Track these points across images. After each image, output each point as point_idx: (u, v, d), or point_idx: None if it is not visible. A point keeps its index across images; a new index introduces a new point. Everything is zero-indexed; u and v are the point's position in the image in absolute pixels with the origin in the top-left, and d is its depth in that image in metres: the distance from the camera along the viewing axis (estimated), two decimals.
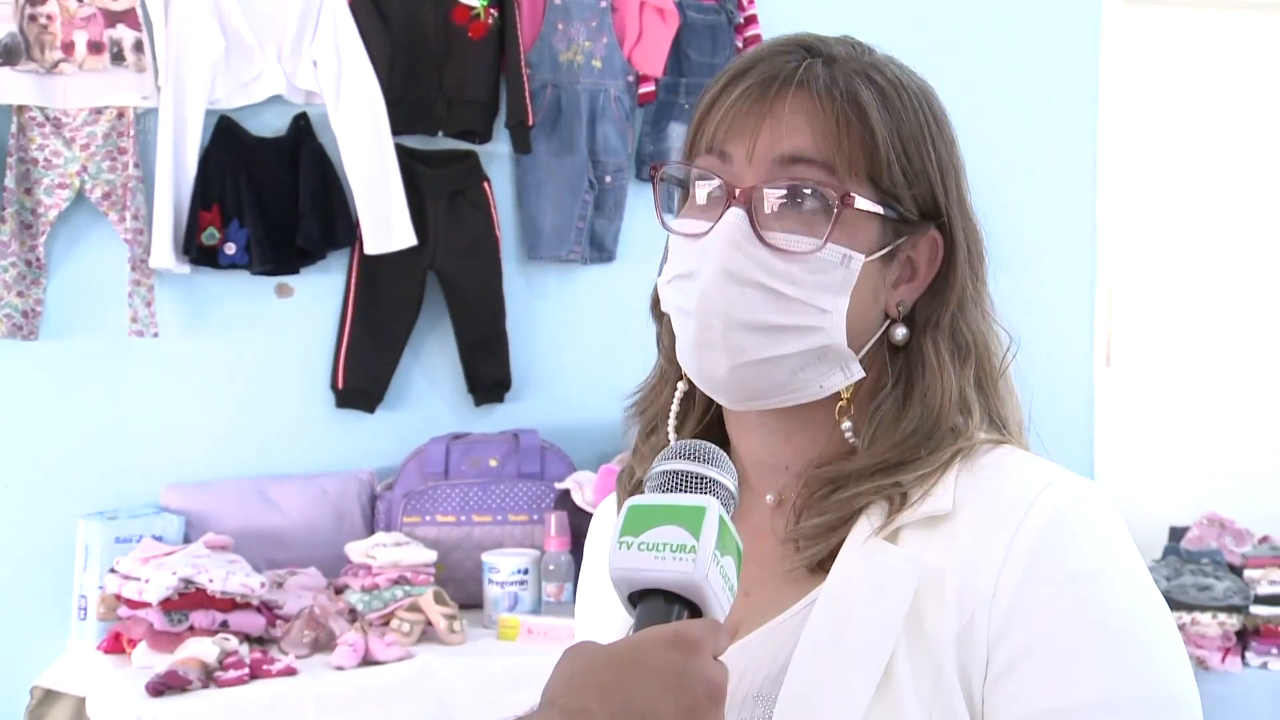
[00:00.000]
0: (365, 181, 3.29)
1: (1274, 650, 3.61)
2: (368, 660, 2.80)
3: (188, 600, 2.76)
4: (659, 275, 1.07)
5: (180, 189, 3.17)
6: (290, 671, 2.72)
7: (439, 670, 2.83)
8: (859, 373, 1.01)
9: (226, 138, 3.25)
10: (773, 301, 0.98)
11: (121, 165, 3.13)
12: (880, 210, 0.99)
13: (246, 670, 2.67)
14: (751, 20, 3.69)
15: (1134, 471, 4.13)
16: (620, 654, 0.82)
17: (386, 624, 2.93)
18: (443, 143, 3.48)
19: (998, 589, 0.92)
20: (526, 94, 3.44)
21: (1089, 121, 4.08)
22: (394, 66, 3.36)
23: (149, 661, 2.71)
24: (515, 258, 3.56)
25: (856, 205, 0.98)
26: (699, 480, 0.90)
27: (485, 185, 3.48)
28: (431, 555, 3.10)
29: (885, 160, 0.99)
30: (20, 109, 3.08)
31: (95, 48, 3.10)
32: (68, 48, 3.09)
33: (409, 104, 3.40)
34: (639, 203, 3.64)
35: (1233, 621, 3.64)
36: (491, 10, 3.43)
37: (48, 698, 2.93)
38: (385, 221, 3.30)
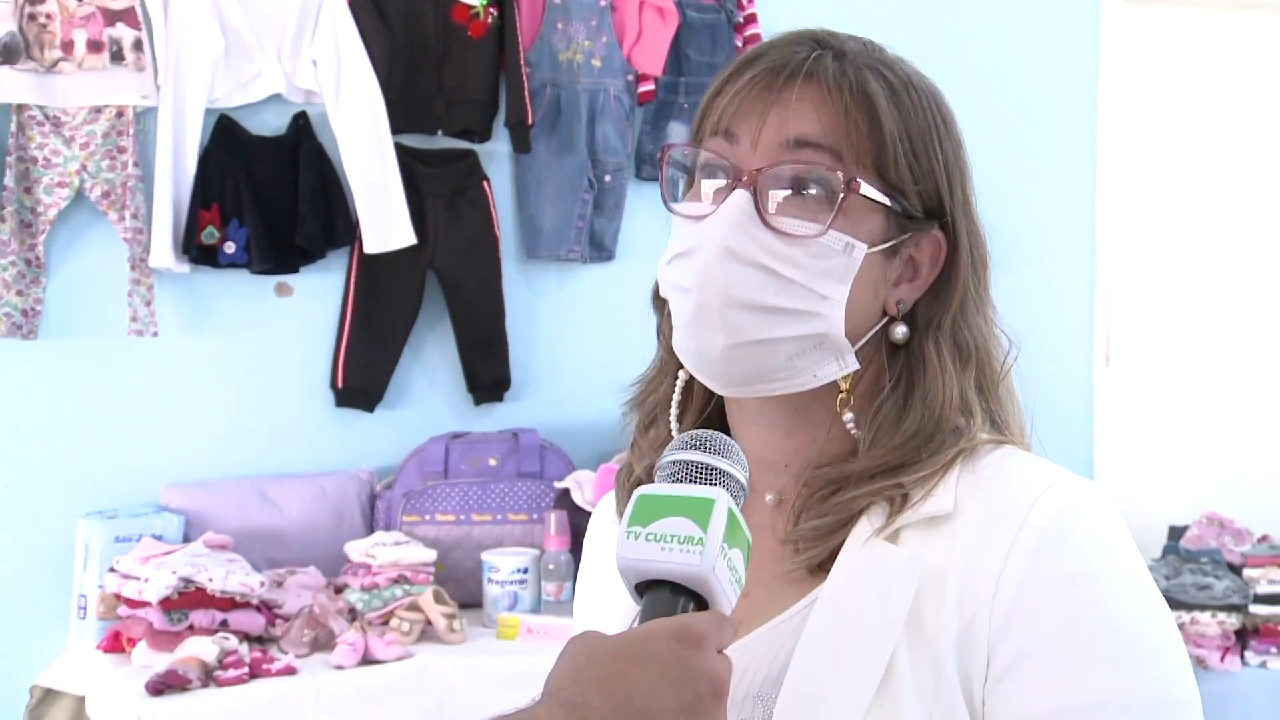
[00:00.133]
0: (365, 181, 3.29)
1: (1273, 649, 3.62)
2: (367, 659, 2.80)
3: (187, 599, 2.76)
4: (660, 260, 1.07)
5: (180, 188, 3.17)
6: (290, 671, 2.72)
7: (438, 669, 2.83)
8: (854, 364, 1.01)
9: (226, 137, 3.25)
10: (773, 283, 0.98)
11: (121, 164, 3.13)
12: (885, 202, 0.99)
13: (246, 669, 2.67)
14: (751, 19, 3.69)
15: (1133, 471, 4.13)
16: (624, 646, 0.82)
17: (386, 623, 2.94)
18: (442, 142, 3.48)
19: (999, 590, 0.92)
20: (526, 93, 3.44)
21: (1088, 121, 4.08)
22: (393, 66, 3.36)
23: (149, 661, 2.71)
24: (515, 257, 3.56)
25: (862, 192, 0.98)
26: (709, 471, 0.90)
27: (485, 184, 3.48)
28: (431, 554, 3.10)
29: (893, 153, 0.99)
30: (20, 108, 3.08)
31: (95, 47, 3.10)
32: (67, 46, 3.09)
33: (408, 103, 3.40)
34: (639, 202, 3.64)
35: (1232, 621, 3.64)
36: (491, 9, 3.43)
37: (47, 697, 2.93)
38: (385, 220, 3.30)
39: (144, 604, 2.75)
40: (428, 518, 3.24)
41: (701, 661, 0.81)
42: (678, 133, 3.65)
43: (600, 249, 3.62)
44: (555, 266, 3.61)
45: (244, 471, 3.31)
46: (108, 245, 3.17)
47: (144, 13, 3.13)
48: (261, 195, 3.25)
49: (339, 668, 2.77)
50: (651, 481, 1.06)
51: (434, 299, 3.47)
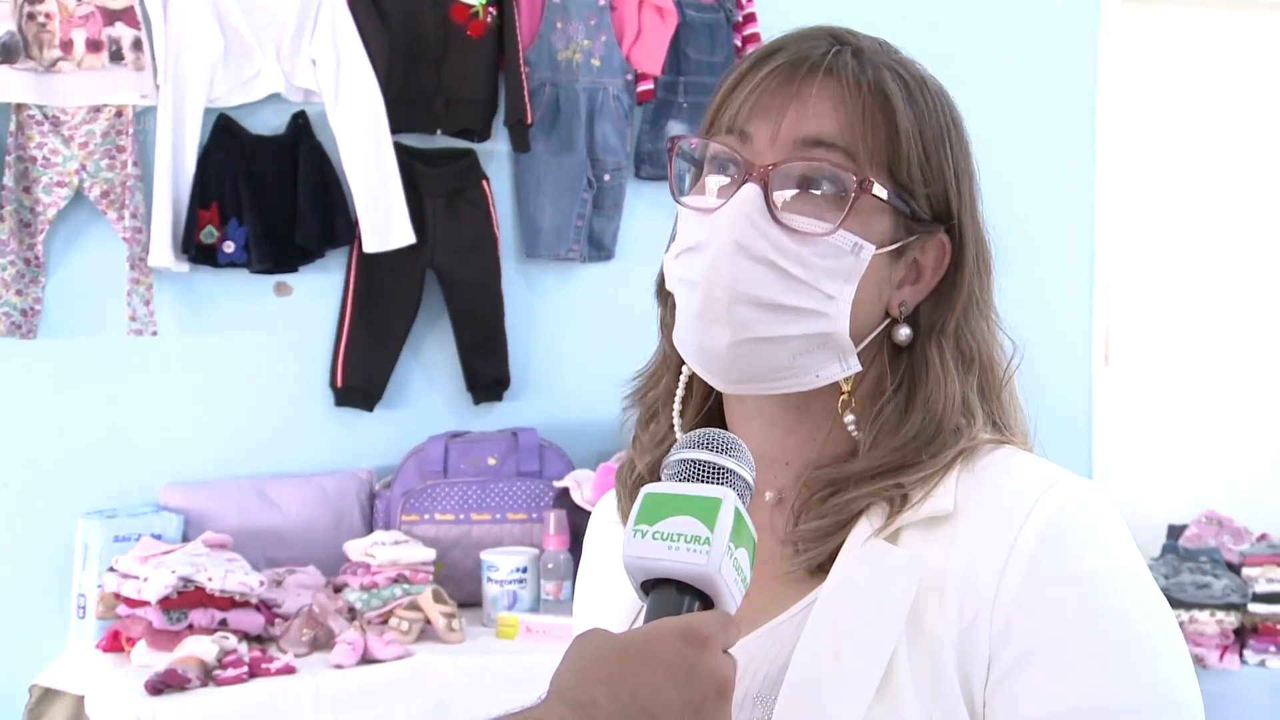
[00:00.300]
0: (364, 180, 3.29)
1: (1272, 648, 3.62)
2: (367, 659, 2.81)
3: (187, 599, 2.76)
4: (665, 253, 1.06)
5: (179, 187, 3.17)
6: (289, 670, 2.72)
7: (438, 669, 2.83)
8: (856, 366, 1.01)
9: (225, 136, 3.25)
10: (781, 280, 0.97)
11: (120, 164, 3.13)
12: (895, 203, 0.99)
13: (245, 669, 2.67)
14: (750, 19, 3.69)
15: (1132, 470, 4.14)
16: (630, 645, 0.82)
17: (385, 622, 2.94)
18: (441, 141, 3.48)
19: (1000, 591, 0.91)
20: (525, 92, 3.44)
21: (1087, 120, 4.08)
22: (393, 65, 3.36)
23: (148, 660, 2.71)
24: (514, 256, 3.57)
25: (873, 193, 0.98)
26: (716, 470, 0.90)
27: (484, 184, 3.48)
28: (430, 554, 3.10)
29: (906, 154, 0.99)
30: (19, 107, 3.08)
31: (94, 46, 3.10)
32: (66, 46, 3.09)
33: (408, 102, 3.40)
34: (638, 201, 3.64)
35: (1231, 619, 3.64)
36: (490, 9, 3.43)
37: (47, 696, 2.92)
38: (384, 220, 3.30)
39: (143, 603, 2.75)
40: (427, 517, 3.24)
41: (707, 661, 0.81)
42: (677, 132, 3.63)
43: (599, 248, 3.62)
44: (554, 266, 3.62)
45: (243, 471, 3.31)
46: (107, 245, 3.17)
47: (143, 12, 3.13)
48: (261, 194, 3.25)
49: (338, 667, 2.77)
50: (651, 478, 1.07)
51: (433, 298, 3.47)
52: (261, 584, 2.85)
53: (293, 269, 3.34)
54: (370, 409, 3.41)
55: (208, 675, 2.64)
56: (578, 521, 3.19)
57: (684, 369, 1.07)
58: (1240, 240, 4.26)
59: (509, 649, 2.96)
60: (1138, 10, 4.15)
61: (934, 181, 1.01)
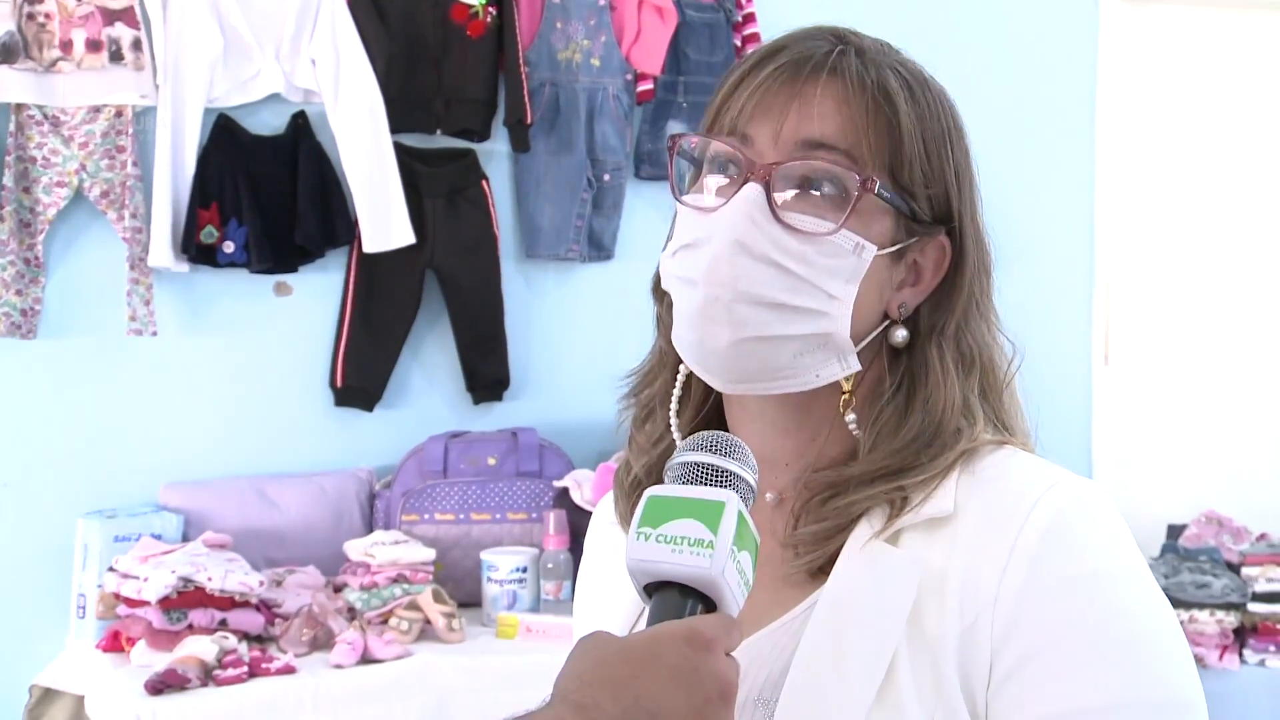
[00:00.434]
0: (364, 180, 3.29)
1: (1271, 647, 3.62)
2: (366, 658, 2.81)
3: (186, 599, 2.76)
4: (663, 251, 1.06)
5: (179, 187, 3.17)
6: (289, 670, 2.72)
7: (438, 668, 2.83)
8: (856, 365, 1.00)
9: (225, 136, 3.25)
10: (782, 279, 0.97)
11: (120, 164, 3.13)
12: (897, 204, 0.99)
13: (245, 669, 2.67)
14: (750, 19, 3.69)
15: (1132, 469, 4.14)
16: (634, 649, 0.82)
17: (385, 622, 2.94)
18: (441, 141, 3.48)
19: (1000, 592, 0.91)
20: (525, 92, 3.44)
21: (1087, 120, 4.08)
22: (392, 65, 3.36)
23: (148, 660, 2.71)
24: (514, 256, 3.57)
25: (875, 193, 0.97)
26: (719, 473, 0.90)
27: (484, 184, 3.48)
28: (430, 553, 3.10)
29: (908, 155, 0.99)
30: (19, 107, 3.08)
31: (93, 46, 3.10)
32: (66, 46, 3.09)
33: (407, 102, 3.40)
34: (637, 201, 3.64)
35: (1230, 619, 3.64)
36: (490, 9, 3.43)
37: (46, 696, 2.92)
38: (384, 220, 3.30)
39: (143, 603, 2.75)
40: (427, 517, 3.25)
41: (711, 664, 0.81)
42: (677, 131, 3.64)
43: (599, 248, 3.62)
44: (554, 266, 3.62)
45: (243, 471, 3.31)
46: (107, 245, 3.17)
47: (143, 12, 3.13)
48: (260, 194, 3.25)
49: (338, 667, 2.77)
50: (648, 480, 1.07)
51: (433, 298, 3.47)
52: (261, 584, 2.85)
53: (292, 269, 3.34)
54: (370, 409, 3.41)
55: (207, 675, 2.64)
56: (577, 521, 3.19)
57: (681, 368, 1.06)
58: (1240, 240, 4.27)
59: (509, 649, 2.96)
60: (1138, 10, 4.15)
61: (935, 183, 1.01)
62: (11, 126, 3.09)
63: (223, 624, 2.78)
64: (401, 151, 3.35)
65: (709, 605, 0.85)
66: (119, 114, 3.13)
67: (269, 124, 3.32)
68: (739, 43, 3.69)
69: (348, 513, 3.28)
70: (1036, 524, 0.93)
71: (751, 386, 1.01)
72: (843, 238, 0.97)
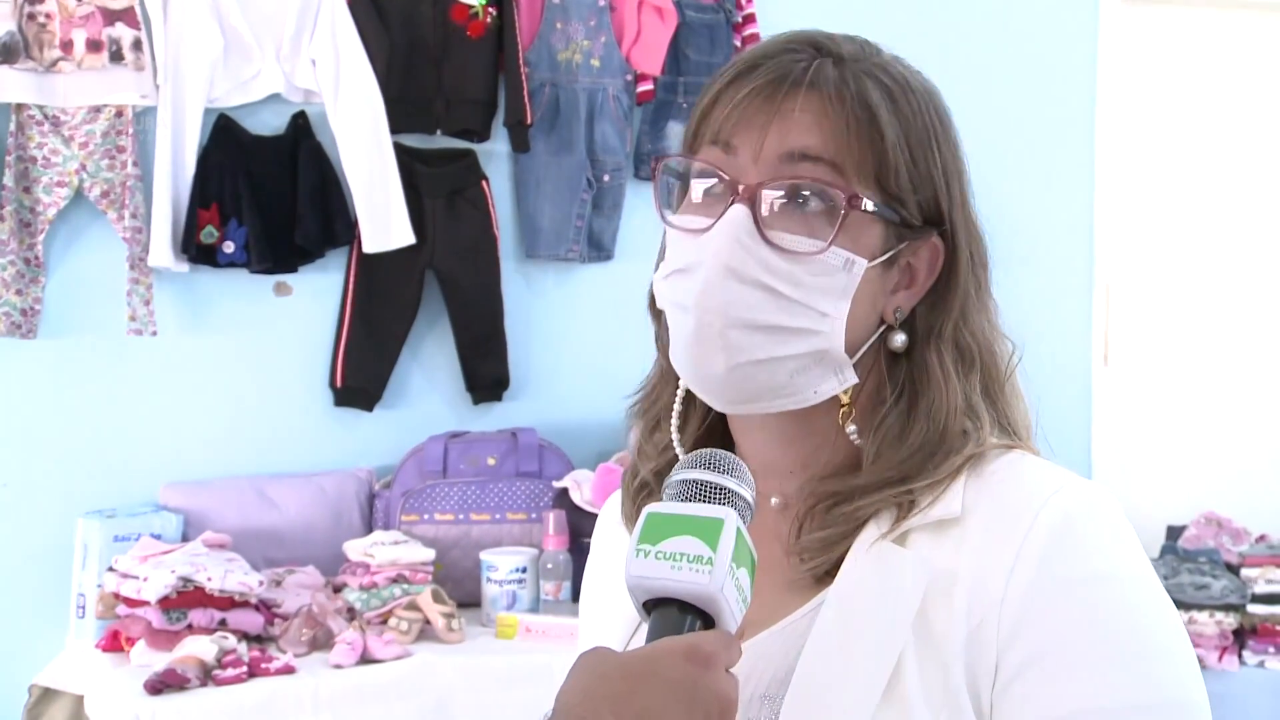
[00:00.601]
0: (364, 180, 3.29)
1: (1271, 649, 3.62)
2: (366, 658, 2.81)
3: (186, 599, 2.76)
4: (655, 272, 1.06)
5: (179, 187, 3.17)
6: (289, 670, 2.72)
7: (437, 669, 2.83)
8: (852, 379, 1.00)
9: (225, 136, 3.25)
10: (773, 301, 0.97)
11: (120, 164, 3.13)
12: (885, 215, 0.98)
13: (245, 669, 2.67)
14: (750, 19, 3.69)
15: (1132, 470, 4.14)
16: (634, 664, 0.82)
17: (385, 622, 2.94)
18: (441, 141, 3.48)
19: (1007, 593, 0.91)
20: (525, 93, 3.44)
21: (1087, 120, 4.09)
22: (392, 65, 3.36)
23: (147, 660, 2.71)
24: (514, 256, 3.57)
25: (863, 208, 0.97)
26: (717, 491, 0.90)
27: (484, 184, 3.48)
28: (430, 554, 3.10)
29: (893, 164, 0.98)
30: (19, 107, 3.08)
31: (94, 46, 3.10)
32: (66, 46, 3.09)
33: (407, 103, 3.40)
34: (637, 202, 3.64)
35: (1230, 620, 3.64)
36: (490, 9, 3.43)
37: (46, 696, 2.93)
38: (384, 220, 3.30)
39: (143, 603, 2.75)
40: (426, 517, 3.25)
41: (711, 680, 0.82)
42: (676, 133, 3.64)
43: (599, 249, 3.62)
44: (554, 266, 3.62)
45: (243, 470, 3.31)
46: (107, 245, 3.17)
47: (143, 12, 3.13)
48: (260, 195, 3.25)
49: (338, 667, 2.77)
50: (656, 483, 1.07)
51: (433, 298, 3.47)
52: (261, 584, 2.86)
53: (292, 269, 3.34)
54: (370, 409, 3.41)
55: (207, 675, 2.64)
56: (577, 522, 3.19)
57: (682, 384, 1.06)
58: (1240, 241, 4.27)
59: (508, 649, 2.96)
60: (1137, 11, 4.15)
61: (923, 187, 1.00)
62: (12, 126, 3.09)
63: (222, 624, 2.78)
64: (401, 152, 3.35)
65: (707, 622, 0.86)
66: (119, 114, 3.13)
67: (269, 124, 3.32)
68: (739, 43, 3.69)
69: (347, 513, 3.28)
70: (1044, 526, 0.93)
71: (750, 407, 1.01)
72: (832, 255, 0.97)
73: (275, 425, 3.38)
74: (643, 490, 1.10)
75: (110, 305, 3.15)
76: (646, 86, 3.61)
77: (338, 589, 3.06)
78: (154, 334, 3.15)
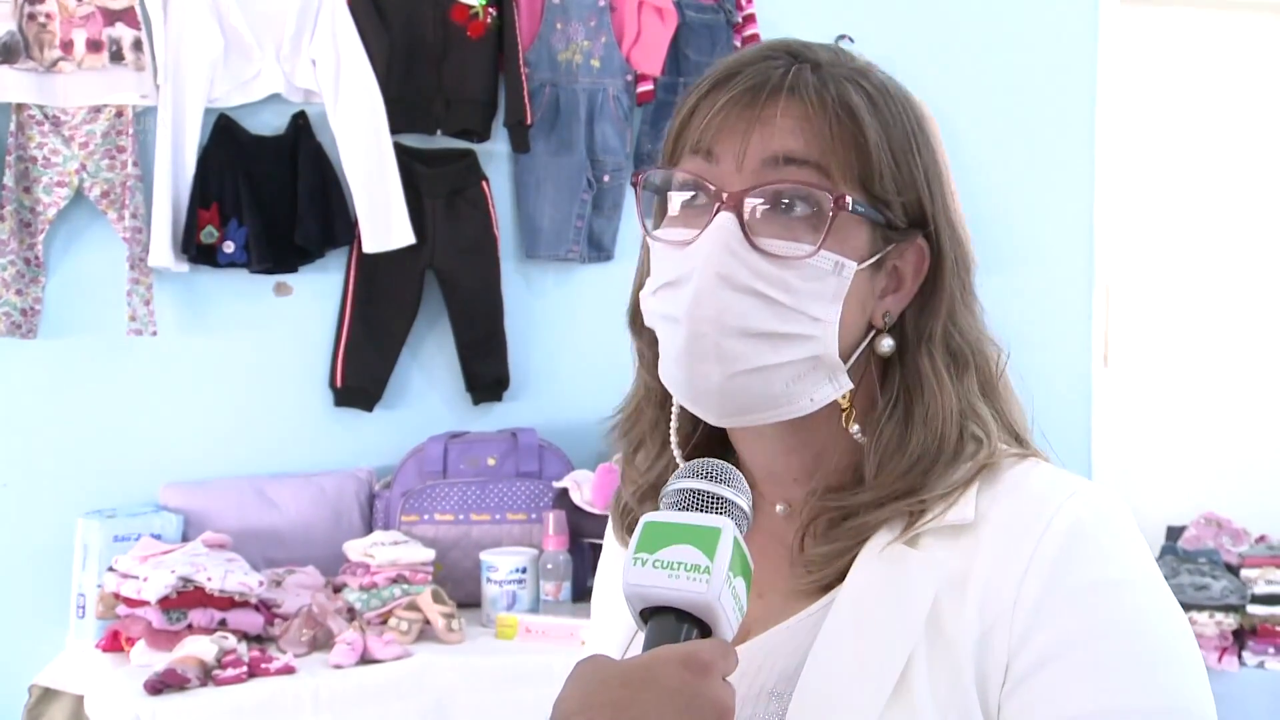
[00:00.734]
0: (364, 180, 3.29)
1: (1271, 649, 3.62)
2: (366, 659, 2.81)
3: (186, 599, 2.76)
4: (635, 288, 1.05)
5: (179, 187, 3.18)
6: (288, 670, 2.72)
7: (437, 669, 2.83)
8: (847, 384, 1.00)
9: (225, 136, 3.25)
10: (767, 308, 0.96)
11: (120, 164, 3.13)
12: (872, 216, 0.98)
13: (245, 669, 2.67)
14: (750, 20, 3.69)
15: (1132, 471, 4.14)
16: (632, 672, 0.82)
17: (385, 622, 2.94)
18: (441, 142, 3.48)
19: (1020, 597, 0.92)
20: (525, 93, 3.44)
21: (1086, 122, 4.08)
22: (392, 65, 3.36)
23: (147, 660, 2.71)
24: (514, 257, 3.57)
25: (850, 209, 0.96)
26: (714, 500, 0.90)
27: (484, 184, 3.48)
28: (430, 554, 3.10)
29: (877, 166, 0.97)
30: (19, 107, 3.08)
31: (94, 46, 3.10)
32: (66, 46, 3.09)
33: (407, 103, 3.40)
34: None
35: (1230, 621, 3.65)
36: (490, 9, 3.43)
37: (46, 696, 2.93)
38: (384, 220, 3.30)
39: (143, 603, 2.75)
40: (426, 517, 3.25)
41: (708, 688, 0.82)
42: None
43: (599, 249, 3.62)
44: (554, 266, 3.62)
45: (243, 471, 3.31)
46: (107, 245, 3.17)
47: (143, 12, 3.13)
48: (260, 195, 3.25)
49: (337, 667, 2.77)
50: (639, 507, 1.07)
51: (433, 299, 3.47)
52: (261, 584, 2.86)
53: (292, 269, 3.34)
54: (370, 409, 3.41)
55: (207, 675, 2.64)
56: (577, 522, 3.19)
57: (673, 400, 1.05)
58: (1239, 241, 4.27)
59: (508, 649, 2.96)
60: (1137, 11, 4.15)
61: (906, 189, 1.00)
62: (12, 126, 3.09)
63: (222, 624, 2.78)
64: (401, 152, 3.35)
65: (704, 630, 0.86)
66: (119, 114, 3.13)
67: (269, 124, 3.33)
68: (739, 44, 3.69)
69: (347, 513, 3.28)
70: (1057, 531, 0.93)
71: (745, 419, 1.00)
72: (822, 259, 0.96)
73: (275, 425, 3.38)
74: (627, 515, 1.10)
75: (110, 305, 3.15)
76: (646, 87, 3.61)
77: (338, 589, 3.06)
78: (154, 334, 3.15)
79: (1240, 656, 3.64)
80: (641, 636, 0.87)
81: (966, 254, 1.05)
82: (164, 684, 2.59)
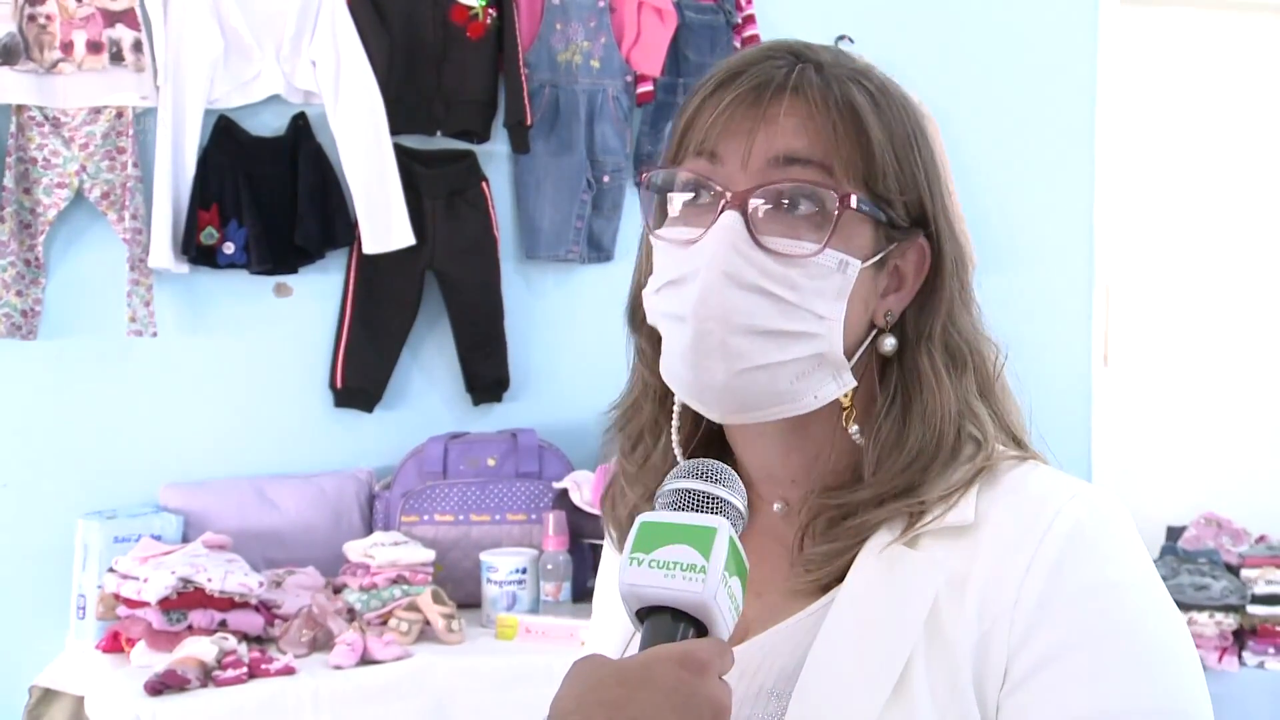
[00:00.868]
0: (364, 181, 3.29)
1: (1271, 650, 3.62)
2: (366, 659, 2.81)
3: (186, 599, 2.76)
4: (634, 285, 1.06)
5: (179, 189, 3.18)
6: (288, 671, 2.72)
7: (437, 669, 2.83)
8: (851, 382, 1.00)
9: (225, 137, 3.25)
10: (772, 306, 0.97)
11: (120, 165, 3.13)
12: (875, 215, 0.98)
13: (245, 669, 2.67)
14: (749, 20, 3.69)
15: (1132, 471, 4.14)
16: (629, 671, 0.83)
17: (385, 623, 2.94)
18: (441, 142, 3.48)
19: (1020, 598, 0.92)
20: (525, 94, 3.44)
21: (1086, 122, 4.09)
22: (392, 66, 3.36)
23: (147, 661, 2.71)
24: (513, 257, 3.57)
25: (855, 208, 0.97)
26: (709, 500, 0.91)
27: (483, 185, 3.48)
28: (429, 554, 3.10)
29: (880, 165, 0.98)
30: (19, 109, 3.08)
31: (94, 47, 3.11)
32: (66, 47, 3.09)
33: (407, 104, 3.40)
34: (637, 203, 3.62)
35: (1230, 621, 3.64)
36: (490, 10, 3.44)
37: (46, 697, 2.93)
38: (384, 221, 3.30)
39: (143, 604, 2.75)
40: (426, 518, 3.25)
41: (705, 687, 0.82)
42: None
43: (599, 249, 3.62)
44: (554, 267, 3.62)
45: (243, 471, 3.31)
46: (107, 246, 3.17)
47: (143, 14, 3.14)
48: (260, 196, 3.25)
49: (338, 668, 2.77)
50: (643, 505, 1.07)
51: (433, 299, 3.47)
52: (261, 585, 2.86)
53: (292, 270, 3.34)
54: (370, 410, 3.41)
55: (207, 676, 2.64)
56: (577, 522, 3.19)
57: (674, 397, 1.06)
58: (1239, 241, 4.27)
59: (508, 650, 2.96)
60: (1137, 12, 4.15)
61: (908, 189, 1.00)
62: (12, 128, 3.09)
63: (222, 625, 2.78)
64: (401, 153, 3.35)
65: (700, 630, 0.86)
66: (119, 115, 3.13)
67: (269, 125, 3.33)
68: (739, 44, 3.69)
69: (347, 514, 3.29)
70: (1057, 533, 0.94)
71: (748, 416, 1.01)
72: (827, 257, 0.97)
73: (275, 426, 3.38)
74: (634, 517, 1.10)
75: (110, 306, 3.15)
76: (646, 87, 3.61)
77: (338, 590, 3.06)
78: (154, 335, 3.15)
79: (1240, 656, 3.64)
80: (639, 636, 0.87)
81: (965, 254, 1.05)
82: (164, 685, 2.59)
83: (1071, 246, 4.08)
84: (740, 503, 0.92)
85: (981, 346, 1.05)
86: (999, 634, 0.92)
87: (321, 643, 2.86)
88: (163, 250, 3.12)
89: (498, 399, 3.51)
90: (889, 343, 1.02)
